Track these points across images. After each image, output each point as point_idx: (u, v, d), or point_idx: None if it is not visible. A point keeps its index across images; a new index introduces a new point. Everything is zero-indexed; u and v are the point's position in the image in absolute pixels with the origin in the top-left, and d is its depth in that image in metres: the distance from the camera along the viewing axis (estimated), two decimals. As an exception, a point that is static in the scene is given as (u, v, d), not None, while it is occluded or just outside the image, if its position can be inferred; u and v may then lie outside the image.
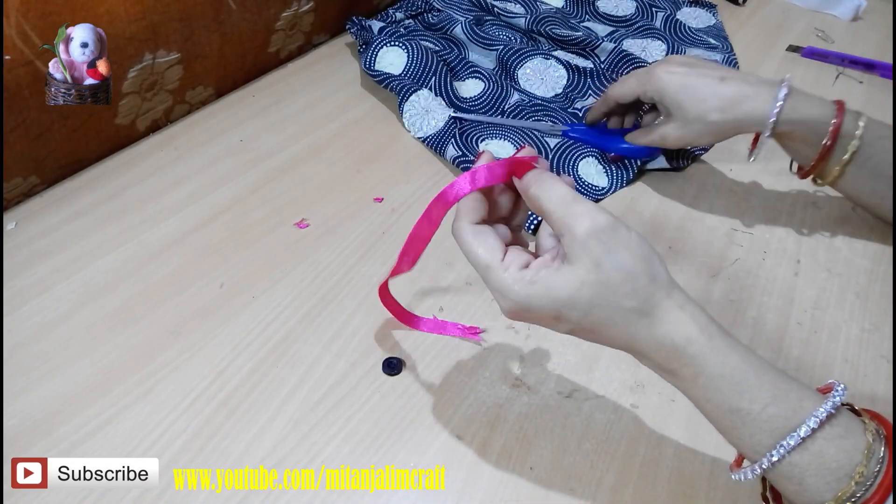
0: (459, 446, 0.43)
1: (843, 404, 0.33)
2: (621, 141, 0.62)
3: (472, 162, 0.61)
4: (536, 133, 0.68)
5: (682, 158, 0.66)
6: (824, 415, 0.31)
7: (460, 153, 0.62)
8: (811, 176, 0.56)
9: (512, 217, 0.40)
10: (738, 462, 0.36)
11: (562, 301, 0.33)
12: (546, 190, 0.35)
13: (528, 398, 0.46)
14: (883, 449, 0.31)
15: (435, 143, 0.66)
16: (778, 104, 0.52)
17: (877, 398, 0.46)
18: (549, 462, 0.42)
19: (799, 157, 0.56)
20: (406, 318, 0.49)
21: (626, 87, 0.58)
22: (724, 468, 0.42)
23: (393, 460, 0.42)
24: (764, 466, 0.32)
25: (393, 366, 0.47)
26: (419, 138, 0.68)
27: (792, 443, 0.31)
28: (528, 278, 0.34)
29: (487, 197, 0.38)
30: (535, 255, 0.36)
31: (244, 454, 0.42)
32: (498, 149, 0.66)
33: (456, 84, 0.73)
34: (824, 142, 0.52)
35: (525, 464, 0.42)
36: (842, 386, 0.32)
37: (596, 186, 0.63)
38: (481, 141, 0.67)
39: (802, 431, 0.31)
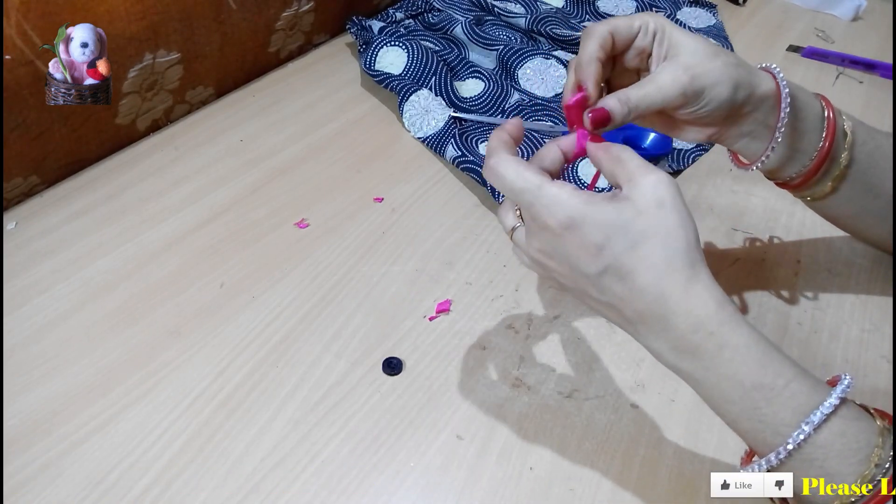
0: (459, 446, 0.43)
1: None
2: (621, 142, 0.62)
3: (472, 162, 0.62)
4: (536, 133, 0.68)
5: (682, 160, 0.66)
6: (842, 394, 0.31)
7: (460, 153, 0.62)
8: (795, 189, 0.48)
9: None
10: (749, 458, 0.35)
11: (616, 224, 0.33)
12: (618, 146, 0.36)
13: (528, 398, 0.46)
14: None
15: (435, 143, 0.66)
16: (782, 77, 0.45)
17: (877, 399, 0.46)
18: (549, 462, 0.42)
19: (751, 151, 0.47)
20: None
21: (671, 85, 0.41)
22: (724, 468, 0.42)
23: (393, 460, 0.42)
24: (790, 447, 0.31)
25: (393, 366, 0.47)
26: (419, 138, 0.68)
27: (816, 419, 0.31)
28: (586, 197, 0.34)
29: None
30: None
31: (244, 454, 0.42)
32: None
33: (456, 84, 0.73)
34: (820, 144, 0.45)
35: (525, 464, 0.42)
36: (848, 377, 0.32)
37: (596, 188, 0.63)
38: (481, 142, 0.67)
39: (826, 407, 0.31)
